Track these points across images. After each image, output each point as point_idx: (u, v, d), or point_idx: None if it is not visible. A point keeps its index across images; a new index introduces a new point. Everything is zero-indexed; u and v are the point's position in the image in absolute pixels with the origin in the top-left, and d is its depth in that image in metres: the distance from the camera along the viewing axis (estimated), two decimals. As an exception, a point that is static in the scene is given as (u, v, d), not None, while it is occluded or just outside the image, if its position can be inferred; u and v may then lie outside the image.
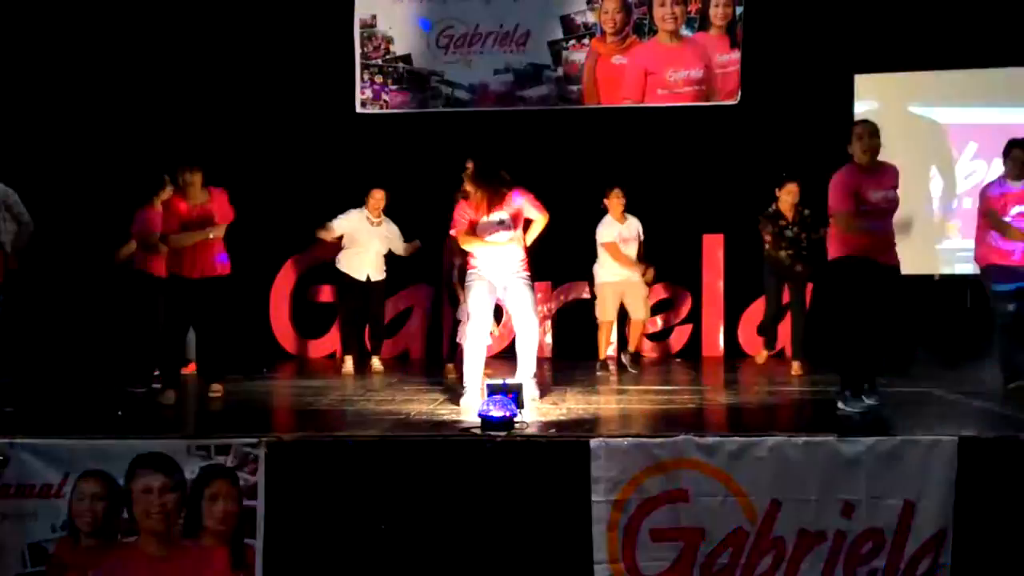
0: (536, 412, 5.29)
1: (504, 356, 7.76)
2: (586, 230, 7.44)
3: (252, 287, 8.30)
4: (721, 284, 8.51)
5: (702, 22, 8.39)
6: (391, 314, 8.41)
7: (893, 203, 5.16)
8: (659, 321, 8.62)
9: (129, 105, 8.37)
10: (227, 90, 8.46)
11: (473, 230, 5.69)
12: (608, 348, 7.70)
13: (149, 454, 4.48)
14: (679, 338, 8.68)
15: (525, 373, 5.73)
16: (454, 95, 8.61)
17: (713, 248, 8.54)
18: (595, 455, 4.38)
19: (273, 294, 8.67)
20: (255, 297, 8.50)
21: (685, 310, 8.66)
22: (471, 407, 5.27)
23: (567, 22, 8.49)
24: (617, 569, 4.35)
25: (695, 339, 8.62)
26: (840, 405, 5.23)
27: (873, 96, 8.31)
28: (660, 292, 8.39)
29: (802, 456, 4.36)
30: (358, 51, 8.63)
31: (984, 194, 6.13)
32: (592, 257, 7.51)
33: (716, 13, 8.34)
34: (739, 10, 8.32)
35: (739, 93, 8.36)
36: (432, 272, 8.03)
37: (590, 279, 7.72)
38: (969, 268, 6.44)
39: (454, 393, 5.89)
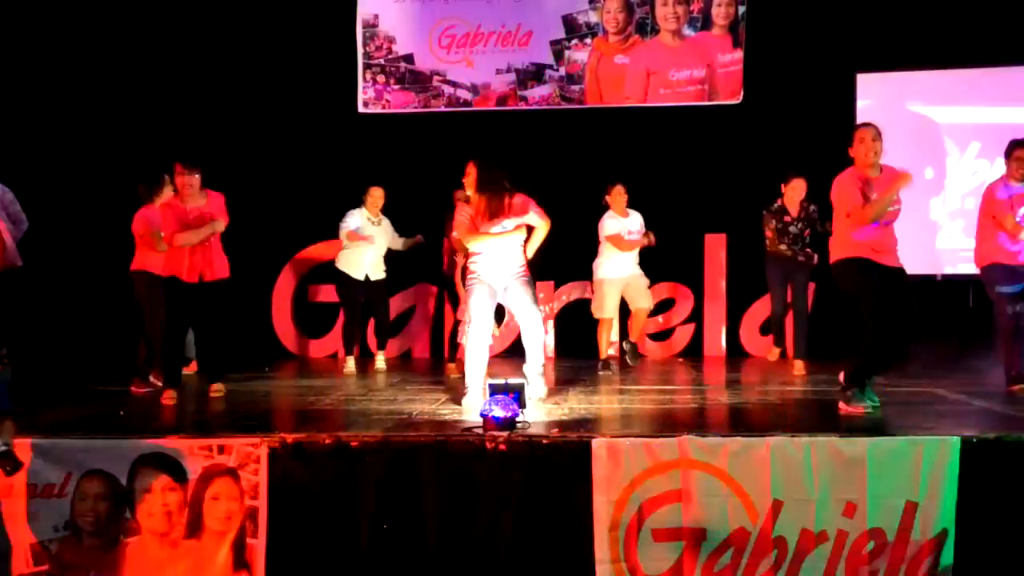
0: (538, 412, 5.28)
1: (504, 356, 7.77)
2: (588, 230, 7.44)
3: (254, 287, 8.31)
4: (723, 284, 8.51)
5: (704, 22, 8.40)
6: (393, 313, 8.41)
7: (895, 206, 5.15)
8: (661, 320, 8.62)
9: (130, 105, 8.39)
10: (230, 90, 8.47)
11: (476, 229, 5.67)
12: (609, 348, 7.70)
13: (151, 454, 4.49)
14: (681, 338, 8.68)
15: (533, 369, 5.73)
16: (456, 95, 8.62)
17: (715, 248, 8.54)
18: (597, 455, 4.38)
19: (275, 294, 8.69)
20: (257, 297, 8.51)
21: (687, 310, 8.66)
22: (473, 407, 5.27)
23: (569, 21, 8.50)
24: (619, 569, 4.35)
25: (697, 339, 8.63)
26: (842, 404, 5.22)
27: (875, 95, 8.32)
28: (662, 291, 8.39)
29: (804, 456, 4.35)
30: (360, 51, 8.64)
31: (990, 197, 6.05)
32: (592, 256, 7.50)
33: (718, 12, 8.35)
34: (741, 9, 8.33)
35: (741, 92, 8.36)
36: (434, 271, 8.04)
37: (591, 277, 7.72)
38: (971, 268, 6.42)
39: (456, 393, 5.89)
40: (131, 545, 4.45)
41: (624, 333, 7.81)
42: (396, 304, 8.47)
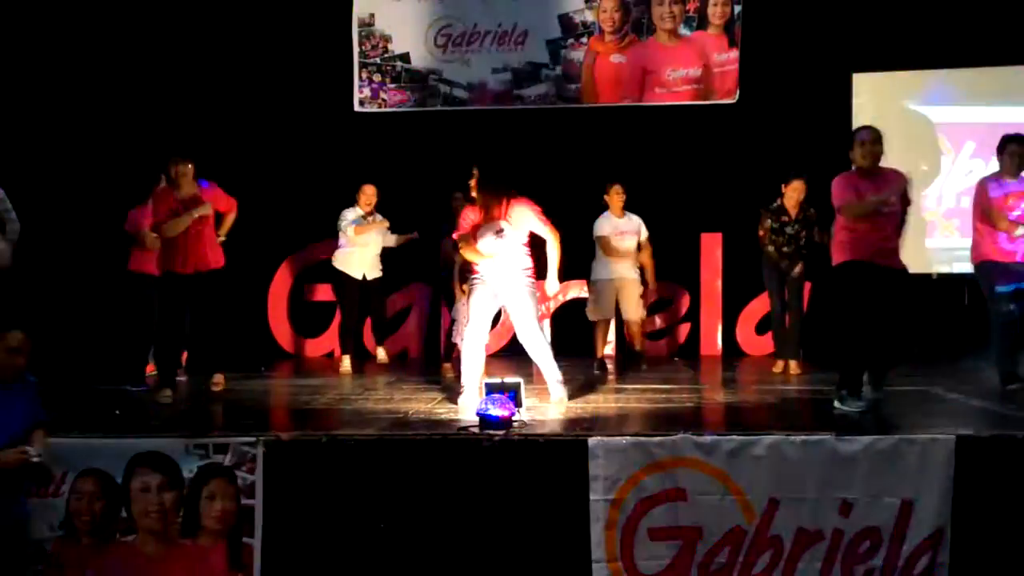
0: (534, 411, 5.28)
1: (501, 355, 7.77)
2: (585, 229, 7.43)
3: (250, 286, 8.30)
4: (719, 283, 8.51)
5: (700, 21, 8.39)
6: (389, 313, 8.40)
7: (892, 208, 5.15)
8: (657, 320, 8.62)
9: (125, 103, 8.36)
10: (225, 89, 8.45)
11: (475, 234, 5.65)
12: (605, 347, 7.70)
13: (147, 453, 4.49)
14: (677, 337, 8.68)
15: (551, 379, 5.67)
16: (452, 94, 8.61)
17: (711, 247, 8.54)
18: (593, 454, 4.38)
19: (271, 293, 8.67)
20: (253, 296, 8.50)
21: (683, 309, 8.66)
22: (469, 406, 5.27)
23: (565, 21, 8.49)
24: (615, 568, 4.35)
25: (693, 338, 8.62)
26: (836, 404, 5.23)
27: (871, 95, 8.32)
28: (659, 291, 8.39)
29: (800, 455, 4.36)
30: (356, 49, 8.62)
31: (983, 193, 6.06)
32: (591, 255, 7.51)
33: (714, 12, 8.34)
34: (737, 9, 8.32)
35: (737, 92, 8.36)
36: (430, 271, 8.03)
37: (588, 277, 7.72)
38: (967, 267, 6.43)
39: (452, 392, 5.89)
40: (126, 544, 4.45)
41: (622, 342, 7.82)
42: (392, 304, 8.47)
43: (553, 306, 8.61)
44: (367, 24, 8.63)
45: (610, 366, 7.53)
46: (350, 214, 7.57)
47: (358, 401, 5.91)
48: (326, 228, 7.85)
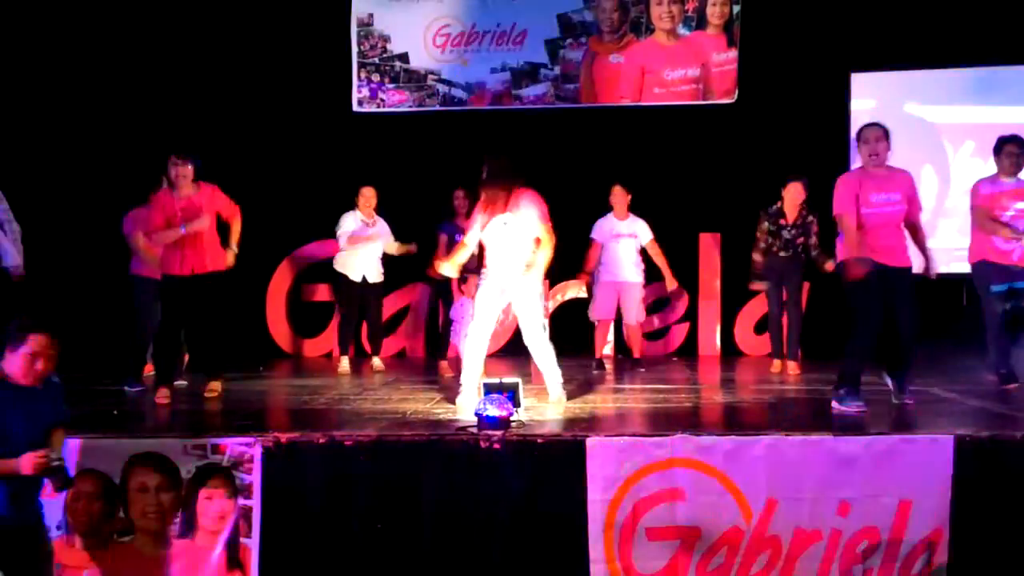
0: (532, 411, 5.28)
1: (499, 356, 7.76)
2: (582, 229, 7.44)
3: (248, 286, 8.29)
4: (718, 283, 8.51)
5: (699, 21, 8.40)
6: (388, 313, 8.39)
7: (896, 207, 5.15)
8: (656, 320, 8.62)
9: (124, 104, 8.36)
10: (224, 89, 8.46)
11: (483, 228, 5.61)
12: (605, 347, 7.70)
13: (145, 453, 4.48)
14: (676, 337, 8.68)
15: (550, 379, 5.64)
16: (451, 94, 8.61)
17: (710, 247, 8.54)
18: (591, 454, 4.38)
19: (269, 293, 8.66)
20: (251, 296, 8.49)
21: (682, 309, 8.66)
22: (467, 406, 5.26)
23: (564, 21, 8.49)
24: (613, 568, 4.35)
25: (692, 338, 8.62)
26: (835, 404, 5.23)
27: (870, 94, 8.33)
28: (657, 291, 8.39)
29: (798, 455, 4.36)
30: (355, 49, 8.63)
31: (976, 191, 6.13)
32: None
33: (713, 12, 8.35)
34: (736, 9, 8.33)
35: (736, 92, 8.36)
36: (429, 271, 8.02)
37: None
38: (965, 267, 6.44)
39: (450, 392, 5.88)
40: (124, 545, 4.44)
41: (625, 350, 7.82)
42: (390, 303, 8.45)
43: (552, 306, 8.61)
44: (366, 24, 8.63)
45: (608, 366, 7.53)
46: (347, 221, 7.48)
47: (356, 401, 5.90)
48: (324, 228, 7.83)
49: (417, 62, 8.60)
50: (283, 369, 7.99)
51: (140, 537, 4.44)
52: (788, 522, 4.33)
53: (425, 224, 7.75)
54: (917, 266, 5.36)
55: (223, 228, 6.09)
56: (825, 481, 4.34)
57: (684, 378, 7.15)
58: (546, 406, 5.51)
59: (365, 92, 8.68)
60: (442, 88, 8.62)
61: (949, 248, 8.13)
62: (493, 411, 4.65)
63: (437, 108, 8.63)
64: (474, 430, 4.64)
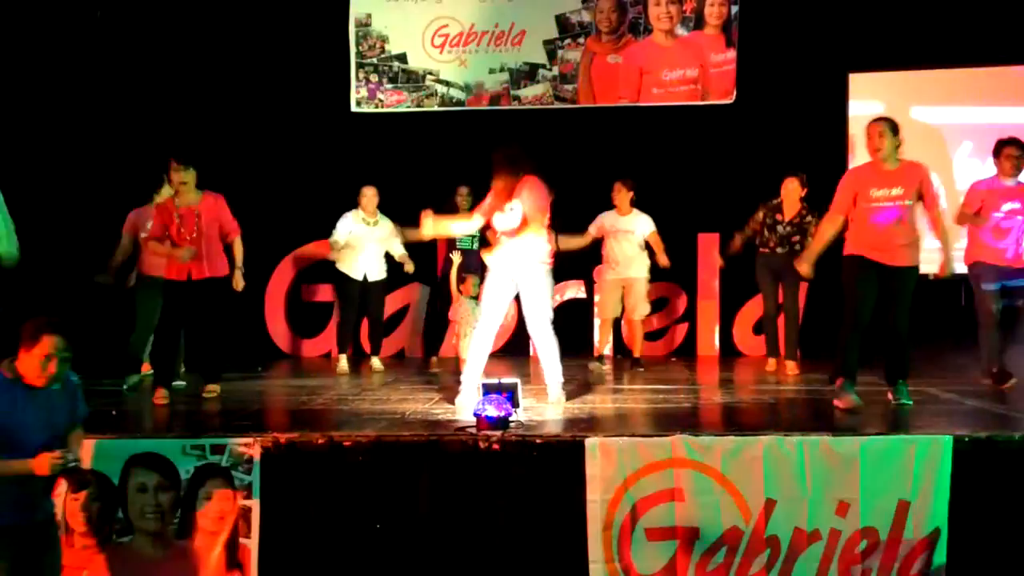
0: (531, 411, 5.28)
1: (499, 356, 7.76)
2: (580, 230, 7.43)
3: (247, 286, 8.26)
4: (716, 283, 8.51)
5: (697, 21, 8.40)
6: (386, 313, 8.38)
7: (897, 202, 5.14)
8: (655, 320, 8.62)
9: (124, 104, 8.35)
10: (222, 89, 8.45)
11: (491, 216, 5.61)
12: (606, 346, 7.70)
13: (144, 454, 4.48)
14: (674, 337, 8.68)
15: (551, 377, 5.63)
16: (449, 94, 8.61)
17: (709, 247, 8.53)
18: (590, 454, 4.38)
19: (268, 293, 8.66)
20: (250, 296, 8.46)
21: (681, 309, 8.66)
22: (467, 406, 5.26)
23: (562, 21, 8.50)
24: (612, 569, 4.35)
25: (690, 338, 8.62)
26: (835, 402, 5.25)
27: (868, 95, 8.33)
28: (656, 291, 8.39)
29: (796, 455, 4.36)
30: (353, 50, 8.63)
31: (972, 191, 6.16)
32: (589, 256, 7.51)
33: (711, 12, 8.35)
34: (734, 9, 8.33)
35: (734, 92, 8.37)
36: (427, 271, 8.02)
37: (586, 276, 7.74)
38: (963, 267, 6.45)
39: (450, 392, 5.88)
40: (123, 545, 4.44)
41: (626, 349, 7.83)
42: (390, 303, 8.44)
43: (552, 306, 8.61)
44: (364, 24, 8.63)
45: (608, 365, 7.53)
46: (344, 223, 7.46)
47: (355, 401, 5.90)
48: (323, 228, 7.82)
49: (415, 62, 8.60)
50: (282, 369, 7.99)
51: (139, 537, 4.45)
52: (787, 522, 4.34)
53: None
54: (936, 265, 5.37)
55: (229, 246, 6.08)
56: (823, 481, 4.34)
57: (683, 378, 7.15)
58: (545, 406, 5.51)
59: (363, 92, 8.68)
60: (440, 88, 8.62)
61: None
62: (492, 411, 4.65)
63: (435, 108, 8.63)
64: (473, 430, 4.64)
